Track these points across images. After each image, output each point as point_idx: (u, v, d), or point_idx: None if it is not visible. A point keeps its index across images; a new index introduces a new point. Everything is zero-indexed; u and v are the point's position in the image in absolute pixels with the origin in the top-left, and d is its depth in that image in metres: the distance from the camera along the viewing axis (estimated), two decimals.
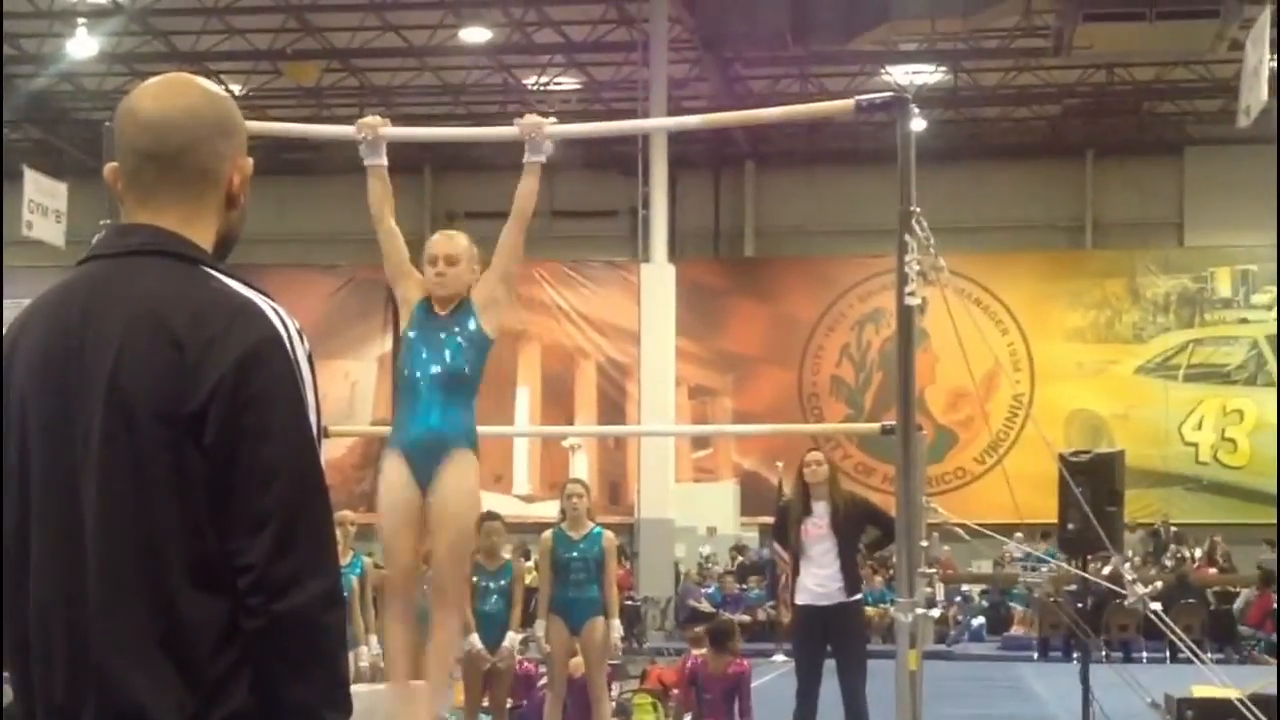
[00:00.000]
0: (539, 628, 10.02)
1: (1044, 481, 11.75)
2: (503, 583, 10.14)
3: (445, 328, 6.11)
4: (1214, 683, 9.53)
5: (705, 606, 22.52)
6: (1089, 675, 10.73)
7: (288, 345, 2.40)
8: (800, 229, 29.94)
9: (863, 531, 10.16)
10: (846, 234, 28.82)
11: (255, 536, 2.32)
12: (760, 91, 26.86)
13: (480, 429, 6.20)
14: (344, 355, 28.97)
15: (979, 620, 24.25)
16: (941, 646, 21.54)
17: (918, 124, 8.63)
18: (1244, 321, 28.56)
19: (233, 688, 2.34)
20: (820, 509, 9.78)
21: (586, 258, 29.80)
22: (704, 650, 11.47)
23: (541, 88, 27.70)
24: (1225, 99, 24.82)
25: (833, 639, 9.71)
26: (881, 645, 13.09)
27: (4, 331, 2.54)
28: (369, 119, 6.54)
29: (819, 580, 9.71)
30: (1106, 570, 13.26)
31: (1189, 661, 9.48)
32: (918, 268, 6.62)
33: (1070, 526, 10.65)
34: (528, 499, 28.45)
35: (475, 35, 25.47)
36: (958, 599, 24.97)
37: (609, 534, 10.14)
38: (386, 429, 6.87)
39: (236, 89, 25.36)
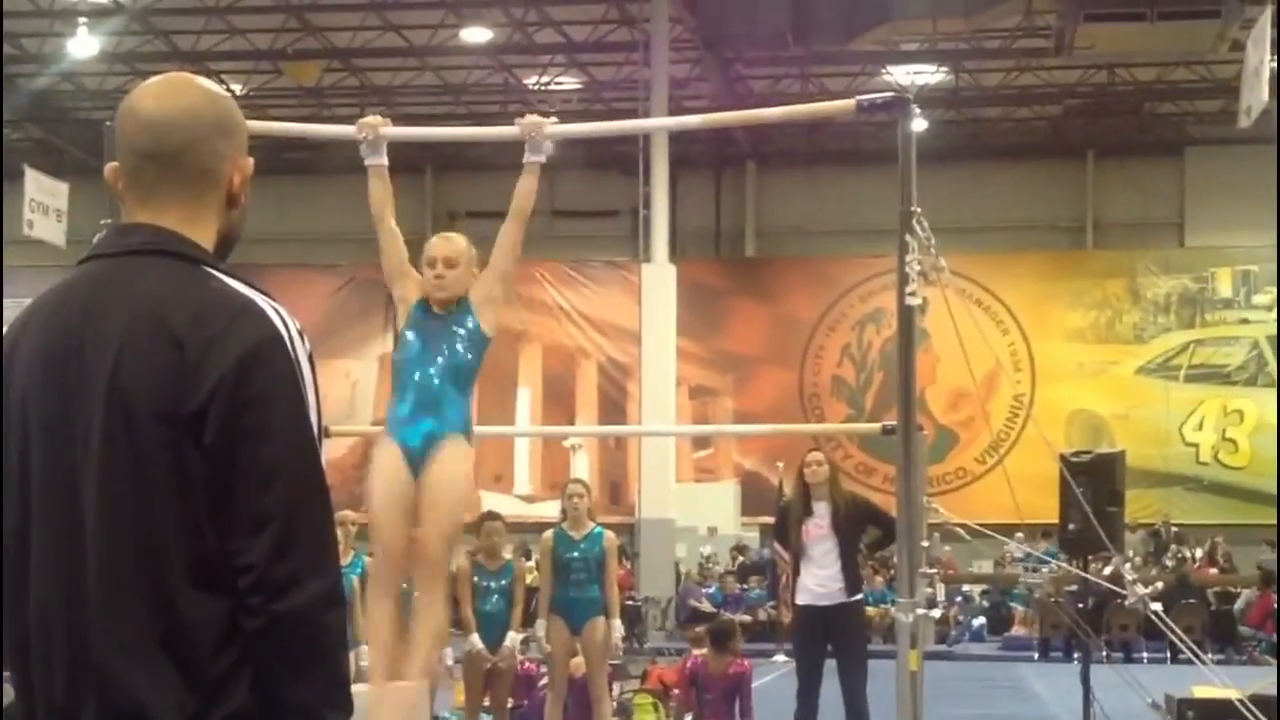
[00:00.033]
0: (540, 628, 10.03)
1: (1045, 482, 11.74)
2: (504, 582, 10.16)
3: (443, 327, 6.10)
4: (1215, 683, 9.51)
5: (706, 606, 22.50)
6: (1090, 675, 10.75)
7: (288, 345, 2.40)
8: (801, 229, 29.92)
9: (863, 532, 10.17)
10: (847, 234, 28.79)
11: (255, 536, 2.32)
12: (761, 91, 26.85)
13: (480, 429, 6.19)
14: (344, 355, 28.96)
15: (980, 620, 24.24)
16: (942, 647, 21.53)
17: (919, 124, 8.61)
18: (1245, 322, 28.54)
19: (233, 687, 2.34)
20: (821, 509, 9.78)
21: (587, 258, 29.79)
22: (705, 650, 11.47)
23: (542, 87, 27.68)
24: (1226, 99, 24.78)
25: (833, 639, 9.72)
26: (882, 645, 13.09)
27: (4, 331, 2.54)
28: (370, 119, 6.52)
29: (820, 580, 9.72)
30: (1107, 570, 13.23)
31: (1190, 662, 9.45)
32: (918, 268, 6.62)
33: (1071, 527, 10.64)
34: (528, 499, 28.45)
35: (476, 35, 25.46)
36: (958, 599, 24.95)
37: (610, 534, 10.14)
38: None
39: (237, 89, 25.35)
